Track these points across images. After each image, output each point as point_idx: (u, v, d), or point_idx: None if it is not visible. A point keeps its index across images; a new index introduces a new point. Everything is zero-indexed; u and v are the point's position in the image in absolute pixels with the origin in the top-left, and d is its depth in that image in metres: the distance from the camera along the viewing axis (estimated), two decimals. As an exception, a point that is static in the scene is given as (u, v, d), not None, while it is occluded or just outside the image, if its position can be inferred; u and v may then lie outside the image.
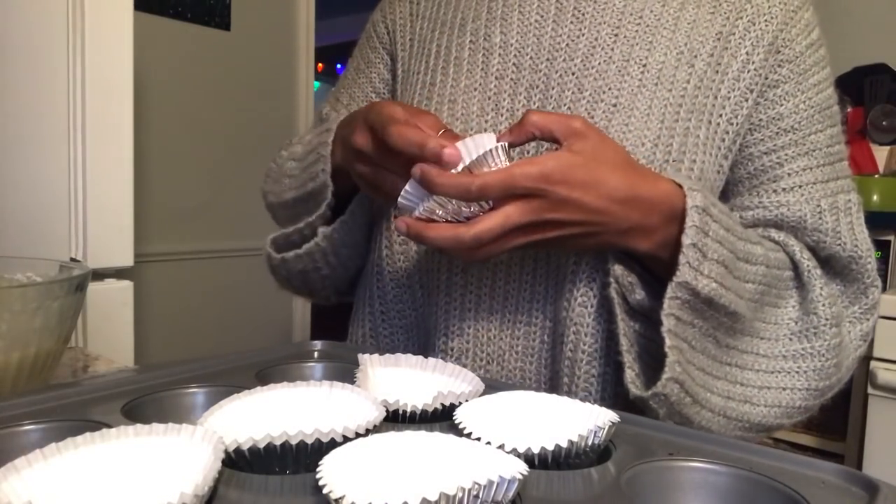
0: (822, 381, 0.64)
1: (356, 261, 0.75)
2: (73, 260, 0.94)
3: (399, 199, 0.54)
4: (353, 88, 0.81)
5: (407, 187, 0.53)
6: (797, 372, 0.63)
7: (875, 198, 1.98)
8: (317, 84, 2.76)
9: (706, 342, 0.59)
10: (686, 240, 0.54)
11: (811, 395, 0.64)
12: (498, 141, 0.53)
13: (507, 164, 0.52)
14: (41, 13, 1.11)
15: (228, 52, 2.27)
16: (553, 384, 0.64)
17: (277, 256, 0.71)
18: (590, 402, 0.45)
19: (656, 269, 0.59)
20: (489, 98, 0.67)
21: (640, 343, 0.59)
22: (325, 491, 0.32)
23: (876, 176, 2.07)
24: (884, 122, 2.20)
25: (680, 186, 0.56)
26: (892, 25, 2.27)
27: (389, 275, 0.71)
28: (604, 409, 0.43)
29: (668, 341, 0.55)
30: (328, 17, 3.50)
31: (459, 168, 0.52)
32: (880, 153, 2.18)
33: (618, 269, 0.58)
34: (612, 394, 0.61)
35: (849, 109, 2.24)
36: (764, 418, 0.62)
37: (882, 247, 1.83)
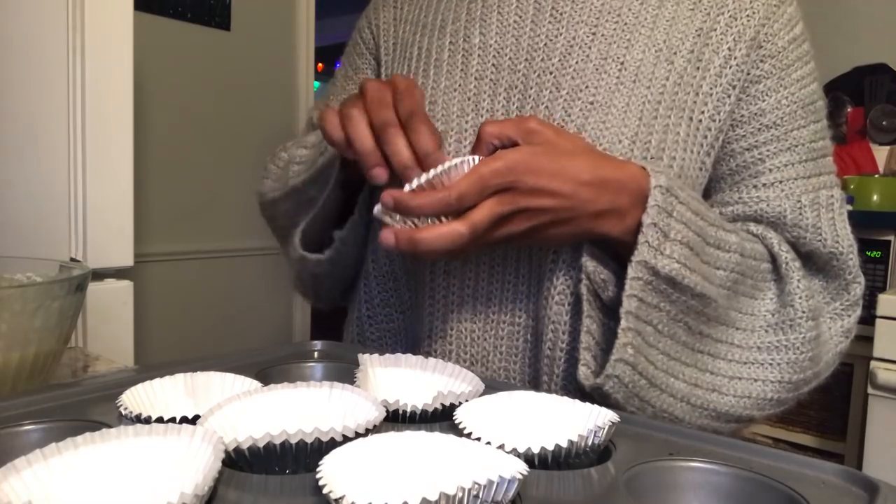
0: (797, 374, 0.63)
1: (359, 260, 0.75)
2: (73, 260, 0.94)
3: (374, 213, 0.55)
4: (341, 95, 0.82)
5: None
6: (771, 364, 0.63)
7: (875, 198, 1.98)
8: (317, 84, 2.76)
9: (676, 327, 0.59)
10: (647, 219, 0.55)
11: (784, 388, 0.63)
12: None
13: None
14: (41, 13, 1.11)
15: (228, 52, 2.27)
16: (535, 383, 0.64)
17: (299, 252, 0.71)
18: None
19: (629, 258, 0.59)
20: (469, 99, 0.67)
21: (612, 339, 0.59)
22: (325, 491, 0.32)
23: (876, 176, 2.08)
24: (884, 122, 2.20)
25: (645, 169, 0.57)
26: (892, 25, 2.27)
27: (376, 279, 0.71)
28: (604, 409, 0.43)
29: (623, 322, 0.55)
30: (328, 17, 3.50)
31: (426, 177, 0.53)
32: (880, 153, 2.19)
33: (590, 266, 0.59)
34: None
35: (849, 109, 2.24)
36: (732, 408, 0.62)
37: (882, 247, 1.83)
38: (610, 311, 0.60)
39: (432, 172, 0.53)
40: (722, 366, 0.62)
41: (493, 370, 0.65)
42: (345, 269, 0.74)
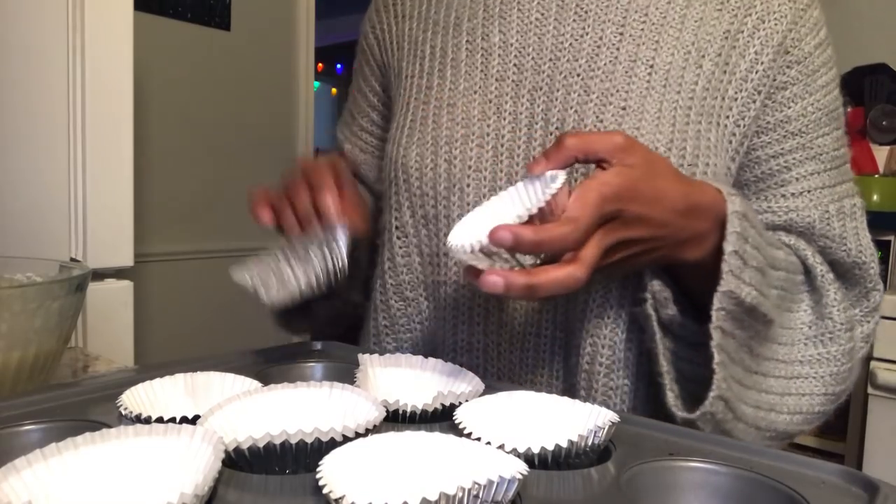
0: (839, 385, 0.63)
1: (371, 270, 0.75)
2: (73, 260, 0.94)
3: (455, 251, 0.47)
4: (353, 106, 0.82)
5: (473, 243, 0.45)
6: (814, 377, 0.62)
7: (875, 198, 1.98)
8: (317, 84, 2.76)
9: (742, 353, 0.57)
10: (728, 247, 0.53)
11: (828, 400, 0.63)
12: (535, 171, 0.50)
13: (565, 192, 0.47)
14: (41, 13, 1.11)
15: (228, 52, 2.26)
16: (569, 396, 0.63)
17: (305, 321, 0.73)
18: None
19: (695, 281, 0.57)
20: (490, 101, 0.65)
21: (671, 360, 0.58)
22: (325, 491, 0.32)
23: (876, 176, 2.08)
24: (884, 122, 2.20)
25: (720, 191, 0.55)
26: (892, 25, 2.27)
27: (392, 288, 0.70)
28: (604, 409, 0.43)
29: (717, 357, 0.53)
30: (328, 17, 3.50)
31: (535, 206, 0.46)
32: (880, 153, 2.18)
33: (656, 285, 0.56)
34: (631, 406, 0.60)
35: (849, 109, 2.24)
36: (788, 426, 0.61)
37: (882, 247, 1.83)
38: (666, 330, 0.58)
39: (542, 200, 0.46)
40: (773, 383, 0.61)
41: (520, 383, 0.64)
42: (360, 292, 0.75)
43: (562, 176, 0.48)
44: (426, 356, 0.67)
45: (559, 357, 0.63)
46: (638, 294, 0.57)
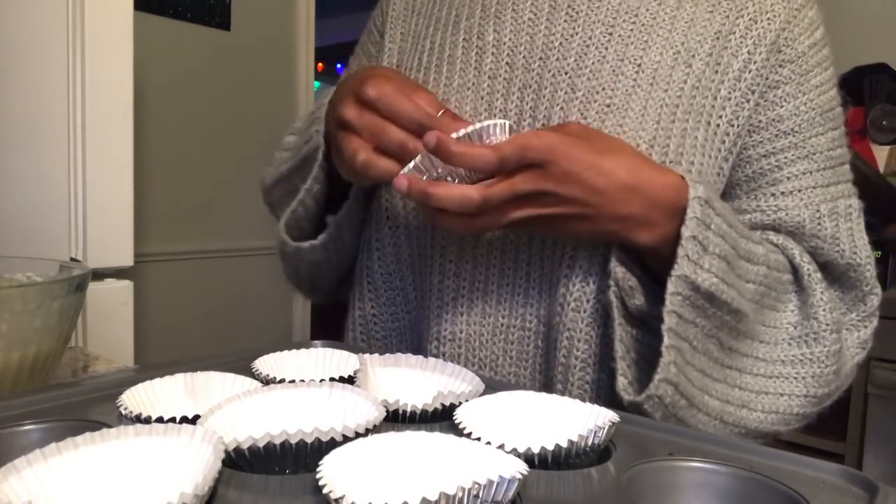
0: (821, 388, 0.63)
1: (357, 245, 0.75)
2: (73, 260, 0.94)
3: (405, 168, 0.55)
4: None
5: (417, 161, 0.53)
6: (796, 378, 0.62)
7: (875, 198, 1.98)
8: (317, 84, 2.76)
9: (709, 343, 0.58)
10: (686, 231, 0.53)
11: (809, 403, 0.63)
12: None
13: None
14: (41, 13, 1.11)
15: (228, 52, 2.27)
16: (547, 390, 0.63)
17: (293, 245, 0.70)
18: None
19: (658, 267, 0.58)
20: (482, 98, 0.66)
21: (638, 349, 0.58)
22: (325, 491, 0.32)
23: (876, 176, 2.08)
24: (884, 122, 2.20)
25: (683, 179, 0.56)
26: (892, 25, 2.27)
27: (381, 277, 0.71)
28: (604, 409, 0.43)
29: (666, 340, 0.53)
30: (328, 17, 3.50)
31: (465, 131, 0.52)
32: (880, 153, 2.19)
33: (619, 272, 0.57)
34: (607, 401, 0.60)
35: (849, 109, 2.24)
36: (760, 424, 0.61)
37: (882, 247, 1.83)
38: (634, 319, 0.59)
39: (471, 128, 0.52)
40: (749, 380, 0.61)
41: (502, 375, 0.64)
42: (343, 255, 0.73)
43: (508, 122, 0.54)
44: (413, 345, 0.67)
45: (541, 350, 0.63)
46: (602, 284, 0.59)
